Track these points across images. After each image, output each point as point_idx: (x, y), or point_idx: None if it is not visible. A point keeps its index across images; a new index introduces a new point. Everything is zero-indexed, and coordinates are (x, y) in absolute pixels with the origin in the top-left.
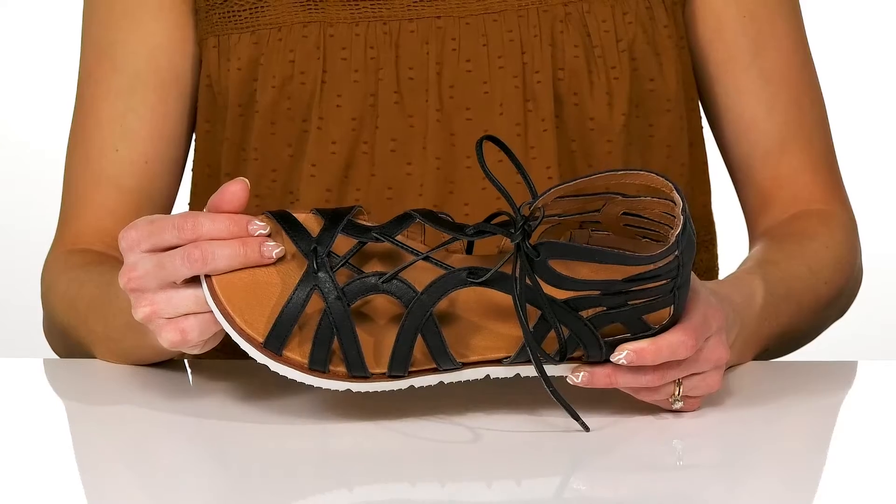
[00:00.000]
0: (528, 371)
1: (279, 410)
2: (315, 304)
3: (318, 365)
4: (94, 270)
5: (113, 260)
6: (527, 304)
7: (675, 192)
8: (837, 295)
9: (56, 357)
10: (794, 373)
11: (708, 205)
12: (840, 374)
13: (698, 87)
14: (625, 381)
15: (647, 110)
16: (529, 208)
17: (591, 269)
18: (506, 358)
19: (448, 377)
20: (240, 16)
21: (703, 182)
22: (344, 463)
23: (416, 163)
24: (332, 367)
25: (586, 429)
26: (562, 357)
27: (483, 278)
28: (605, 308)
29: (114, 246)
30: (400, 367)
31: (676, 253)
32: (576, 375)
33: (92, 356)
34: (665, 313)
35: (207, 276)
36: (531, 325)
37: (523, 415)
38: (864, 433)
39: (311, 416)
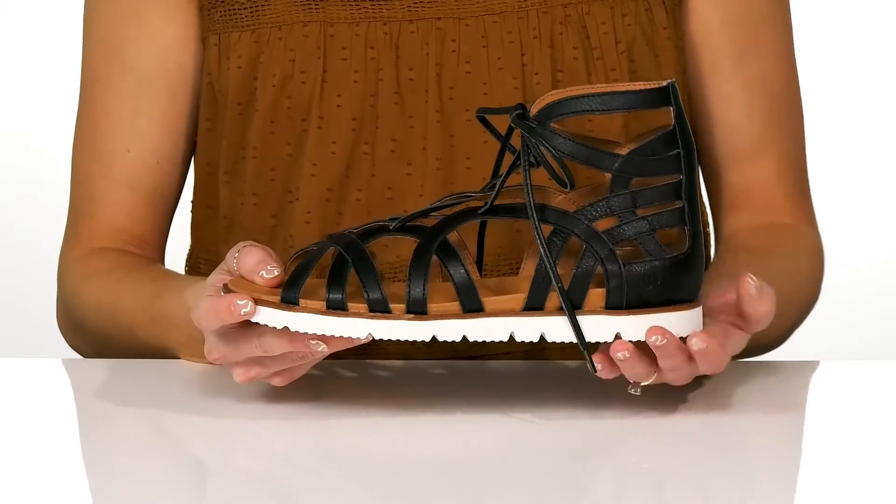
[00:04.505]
0: (554, 332)
1: (282, 411)
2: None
3: (336, 304)
4: (127, 281)
5: (137, 260)
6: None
7: (669, 93)
8: (788, 328)
9: (69, 355)
10: (755, 372)
11: (701, 206)
12: (802, 373)
13: None
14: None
15: (646, 112)
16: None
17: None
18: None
19: (472, 329)
20: (240, 14)
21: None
22: (346, 460)
23: (416, 163)
24: (351, 305)
25: (594, 370)
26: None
27: (489, 204)
28: (617, 220)
29: (131, 243)
30: (418, 285)
31: (680, 177)
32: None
33: (133, 357)
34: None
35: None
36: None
37: (521, 412)
38: (824, 432)
39: (315, 416)
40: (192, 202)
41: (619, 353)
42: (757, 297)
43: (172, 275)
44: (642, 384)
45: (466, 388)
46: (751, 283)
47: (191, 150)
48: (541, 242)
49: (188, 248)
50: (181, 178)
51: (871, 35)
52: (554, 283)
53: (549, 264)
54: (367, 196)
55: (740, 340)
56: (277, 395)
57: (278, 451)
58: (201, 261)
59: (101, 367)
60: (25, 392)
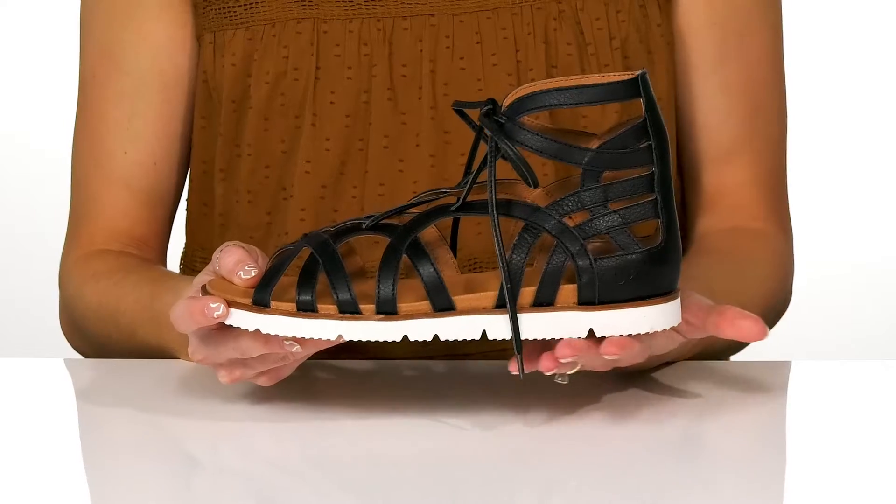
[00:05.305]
0: (527, 329)
1: (278, 412)
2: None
3: (305, 306)
4: (126, 283)
5: (136, 262)
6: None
7: (639, 84)
8: None
9: (70, 355)
10: (728, 372)
11: None
12: (774, 373)
13: None
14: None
15: (639, 109)
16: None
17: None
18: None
19: (443, 328)
20: (235, 12)
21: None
22: (333, 462)
23: (409, 160)
24: (321, 307)
25: (522, 374)
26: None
27: (461, 201)
28: (588, 214)
29: (130, 245)
30: (388, 285)
31: (652, 169)
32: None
33: (134, 358)
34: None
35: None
36: (513, 247)
37: (514, 414)
38: (796, 431)
39: (304, 418)
40: (187, 200)
41: (566, 359)
42: (735, 332)
43: (171, 275)
44: (568, 374)
45: (451, 389)
46: (751, 324)
47: (189, 150)
48: (498, 241)
49: (183, 246)
50: (180, 178)
51: (865, 38)
52: (503, 280)
53: (503, 263)
54: (362, 193)
55: (668, 342)
56: (274, 395)
57: (277, 452)
58: (197, 259)
59: (101, 367)
60: (26, 392)
